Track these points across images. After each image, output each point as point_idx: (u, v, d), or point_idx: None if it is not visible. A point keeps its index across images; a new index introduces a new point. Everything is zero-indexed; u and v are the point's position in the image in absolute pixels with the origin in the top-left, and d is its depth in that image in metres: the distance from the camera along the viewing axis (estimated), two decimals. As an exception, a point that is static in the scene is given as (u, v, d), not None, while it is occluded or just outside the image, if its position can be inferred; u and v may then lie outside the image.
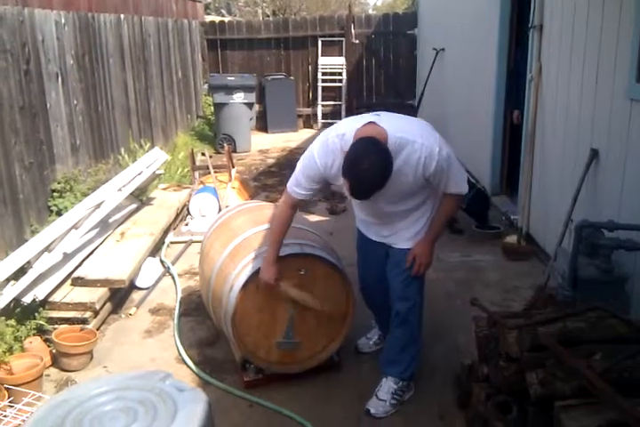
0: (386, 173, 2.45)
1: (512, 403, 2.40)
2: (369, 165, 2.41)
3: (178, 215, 5.68)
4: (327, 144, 2.73)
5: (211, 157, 6.66)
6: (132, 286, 4.34)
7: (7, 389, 2.93)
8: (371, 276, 3.23)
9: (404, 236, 2.97)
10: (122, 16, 6.75)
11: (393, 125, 2.60)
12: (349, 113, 11.08)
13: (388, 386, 3.03)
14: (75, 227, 4.20)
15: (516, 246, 4.81)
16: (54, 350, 3.41)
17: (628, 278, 2.98)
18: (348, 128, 2.66)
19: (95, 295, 3.76)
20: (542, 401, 2.22)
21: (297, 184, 2.84)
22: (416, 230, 2.94)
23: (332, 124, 11.67)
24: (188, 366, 3.36)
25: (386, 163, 2.45)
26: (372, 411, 2.96)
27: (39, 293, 3.63)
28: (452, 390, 3.01)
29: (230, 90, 9.01)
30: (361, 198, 2.60)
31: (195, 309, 4.04)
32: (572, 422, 2.03)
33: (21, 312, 3.51)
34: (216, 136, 9.41)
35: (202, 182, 6.21)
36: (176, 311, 4.00)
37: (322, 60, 10.99)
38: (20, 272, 3.65)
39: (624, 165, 3.30)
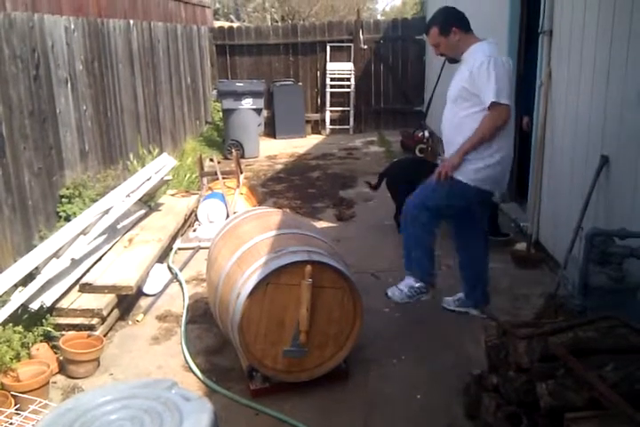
0: (440, 15, 3.62)
1: (522, 414, 2.36)
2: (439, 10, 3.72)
3: (186, 221, 5.68)
4: None
5: (219, 162, 6.66)
6: (140, 293, 4.34)
7: (13, 396, 2.93)
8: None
9: None
10: (131, 21, 6.78)
11: (491, 46, 3.49)
12: (358, 119, 11.10)
13: (407, 281, 3.72)
14: (83, 233, 4.20)
15: (525, 254, 4.77)
16: (61, 357, 3.40)
17: (639, 287, 2.94)
18: None
19: (103, 302, 3.76)
20: (553, 413, 2.18)
21: None
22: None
23: (340, 129, 11.69)
24: (195, 374, 3.34)
25: (443, 14, 3.63)
26: (389, 293, 3.72)
27: (47, 299, 3.63)
28: (461, 400, 2.98)
29: (239, 96, 9.03)
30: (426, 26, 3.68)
31: (202, 316, 4.02)
32: (584, 435, 2.00)
33: (29, 318, 3.51)
34: (224, 142, 9.42)
35: (210, 188, 6.21)
36: (183, 318, 3.99)
37: (330, 66, 11.00)
38: (29, 278, 3.65)
39: (635, 172, 3.26)
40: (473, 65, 3.38)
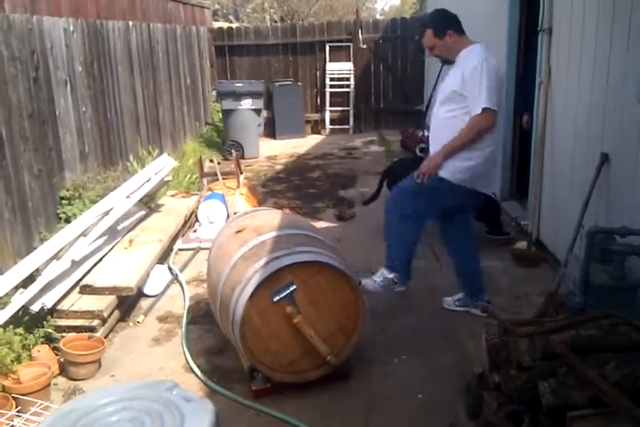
0: (435, 18, 3.73)
1: (524, 412, 2.36)
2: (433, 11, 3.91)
3: (186, 222, 5.67)
4: None
5: (219, 163, 6.66)
6: (140, 294, 4.33)
7: (15, 398, 2.92)
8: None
9: None
10: (130, 23, 6.77)
11: (484, 49, 3.51)
12: (357, 118, 11.10)
13: (381, 272, 3.78)
14: (83, 234, 4.19)
15: (526, 252, 4.76)
16: (62, 359, 3.39)
17: (640, 285, 2.93)
18: None
19: (103, 303, 3.75)
20: (555, 411, 2.18)
21: None
22: None
23: (340, 129, 11.72)
24: (196, 375, 3.34)
25: (437, 17, 3.72)
26: (362, 282, 3.65)
27: (47, 301, 3.62)
28: (463, 399, 2.97)
29: (238, 96, 9.02)
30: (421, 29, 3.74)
31: (203, 316, 4.02)
32: (586, 433, 1.99)
33: (29, 320, 3.50)
34: (224, 142, 9.42)
35: (210, 189, 6.21)
36: (184, 319, 3.98)
37: (329, 66, 11.00)
38: (29, 280, 3.65)
39: (635, 170, 3.26)
40: (465, 69, 3.44)
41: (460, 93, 3.47)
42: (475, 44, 3.57)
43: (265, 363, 3.07)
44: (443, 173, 3.55)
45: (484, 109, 3.39)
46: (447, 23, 3.60)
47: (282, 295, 3.00)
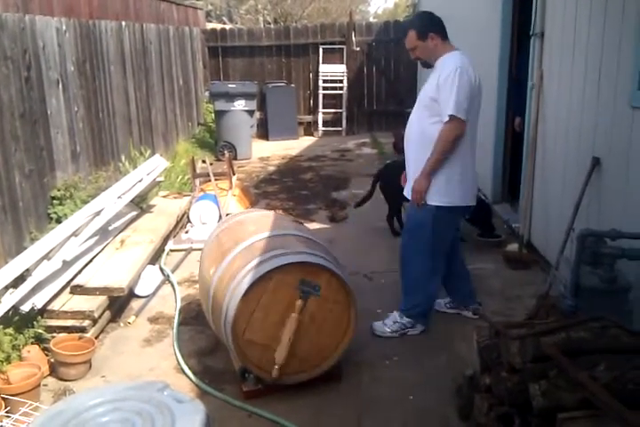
0: (419, 20, 3.70)
1: (514, 415, 2.36)
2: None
3: (178, 223, 5.66)
4: None
5: (211, 164, 6.65)
6: (132, 294, 4.32)
7: (4, 398, 2.90)
8: None
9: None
10: (123, 23, 6.76)
11: (463, 56, 3.47)
12: (350, 120, 11.12)
13: (394, 316, 3.73)
14: (74, 234, 4.17)
15: (517, 255, 4.78)
16: (52, 359, 3.38)
17: (631, 288, 2.95)
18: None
19: (94, 303, 3.74)
20: (545, 413, 2.18)
21: None
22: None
23: (333, 131, 11.72)
24: (187, 376, 3.33)
25: (421, 19, 3.71)
26: (374, 327, 3.70)
27: (38, 301, 3.61)
28: (454, 401, 2.98)
29: (231, 97, 9.02)
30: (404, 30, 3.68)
31: (194, 317, 4.01)
32: (576, 435, 2.00)
33: (20, 321, 3.48)
34: (217, 143, 9.41)
35: (202, 190, 6.20)
36: (175, 320, 3.97)
37: (323, 68, 11.01)
38: (19, 280, 3.63)
39: (626, 174, 3.28)
40: (440, 75, 3.40)
41: (436, 100, 3.42)
42: (454, 52, 3.50)
43: (256, 364, 3.06)
44: (434, 202, 3.47)
45: (450, 117, 3.32)
46: (431, 26, 3.54)
47: (304, 289, 3.01)
